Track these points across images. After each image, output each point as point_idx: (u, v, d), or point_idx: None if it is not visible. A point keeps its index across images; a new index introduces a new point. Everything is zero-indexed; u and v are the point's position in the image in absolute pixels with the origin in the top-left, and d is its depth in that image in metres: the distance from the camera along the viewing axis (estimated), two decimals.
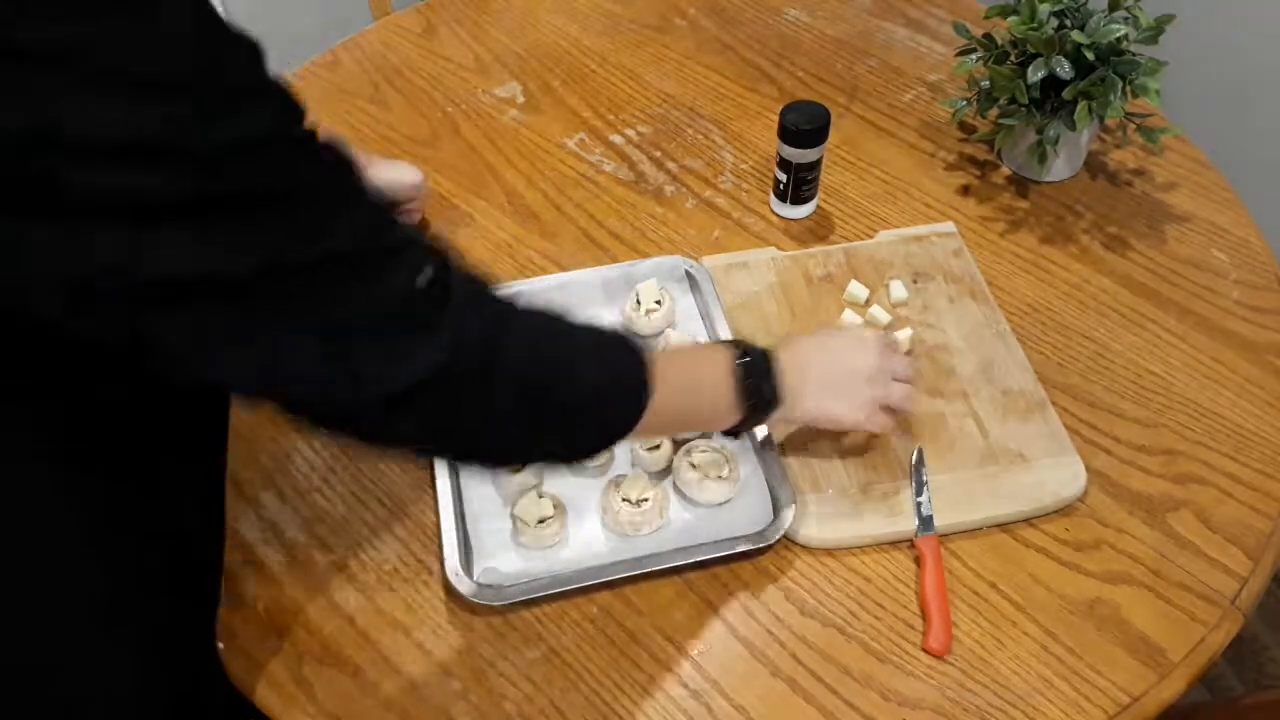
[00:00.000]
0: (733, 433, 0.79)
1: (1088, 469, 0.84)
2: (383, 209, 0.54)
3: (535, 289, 0.97)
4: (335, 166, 0.52)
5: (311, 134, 0.50)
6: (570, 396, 0.62)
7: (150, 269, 0.45)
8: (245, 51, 0.47)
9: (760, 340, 0.78)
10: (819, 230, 1.05)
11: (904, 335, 0.92)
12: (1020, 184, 1.09)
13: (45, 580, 0.60)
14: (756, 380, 0.73)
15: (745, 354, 0.73)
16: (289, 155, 0.49)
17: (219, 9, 0.46)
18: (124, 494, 0.62)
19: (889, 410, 0.81)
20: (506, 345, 0.58)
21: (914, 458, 0.84)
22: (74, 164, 0.42)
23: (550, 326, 0.63)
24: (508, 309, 0.59)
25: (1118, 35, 0.96)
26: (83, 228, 0.43)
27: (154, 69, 0.42)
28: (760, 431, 0.85)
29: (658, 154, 1.14)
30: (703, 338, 0.94)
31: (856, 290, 0.97)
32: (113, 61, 0.41)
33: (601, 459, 0.84)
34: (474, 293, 0.58)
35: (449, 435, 0.59)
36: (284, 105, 0.48)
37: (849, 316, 0.94)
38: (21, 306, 0.47)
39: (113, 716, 0.67)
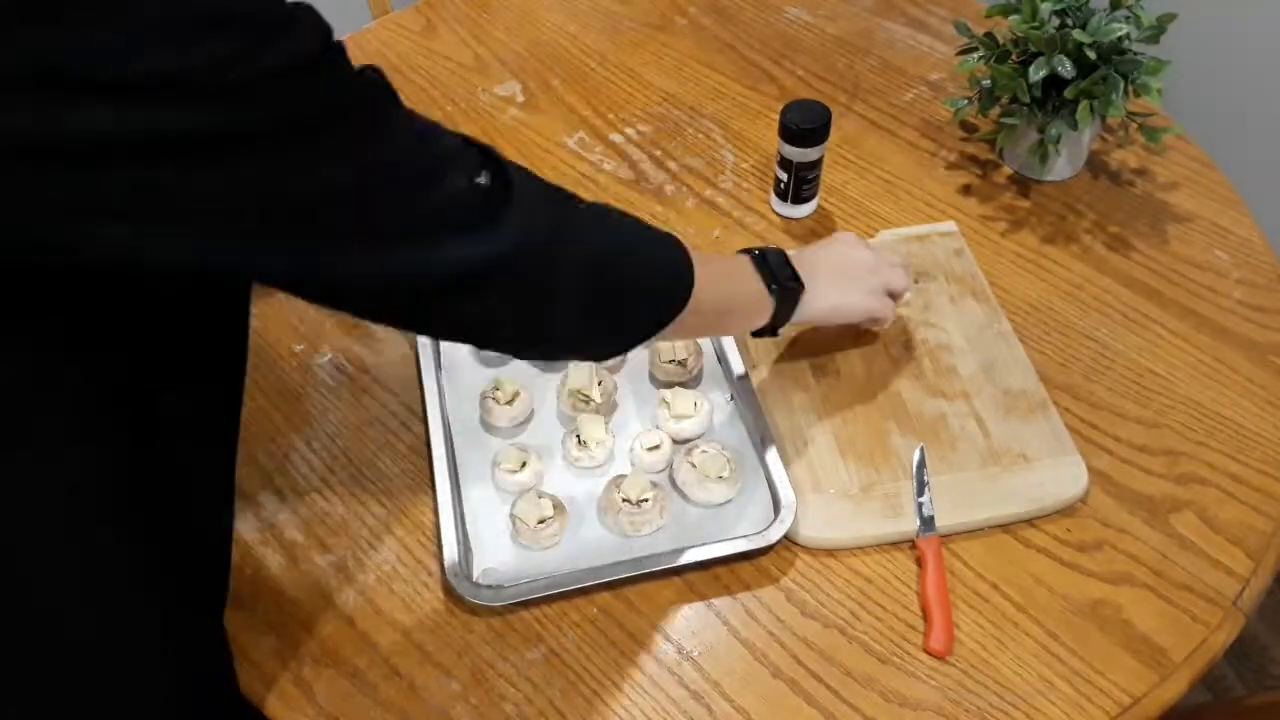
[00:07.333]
0: (766, 331, 0.82)
1: (1089, 469, 0.84)
2: (427, 122, 0.58)
3: None
4: (374, 84, 0.54)
5: (342, 51, 0.52)
6: (626, 279, 0.68)
7: (201, 192, 0.47)
8: None
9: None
10: (820, 229, 1.05)
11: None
12: (1022, 183, 1.09)
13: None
14: (778, 269, 0.80)
15: (760, 250, 0.81)
16: (329, 76, 0.51)
17: None
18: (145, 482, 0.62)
19: (892, 295, 0.88)
20: (568, 233, 0.63)
21: (915, 458, 0.84)
22: (123, 101, 0.43)
23: (605, 217, 0.69)
24: (567, 199, 0.65)
25: (1119, 34, 0.96)
26: (143, 163, 0.45)
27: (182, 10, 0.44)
28: (762, 433, 0.85)
29: (658, 153, 1.13)
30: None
31: None
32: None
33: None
34: (535, 186, 0.63)
35: (509, 322, 0.63)
36: (315, 27, 0.50)
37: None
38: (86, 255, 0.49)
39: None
